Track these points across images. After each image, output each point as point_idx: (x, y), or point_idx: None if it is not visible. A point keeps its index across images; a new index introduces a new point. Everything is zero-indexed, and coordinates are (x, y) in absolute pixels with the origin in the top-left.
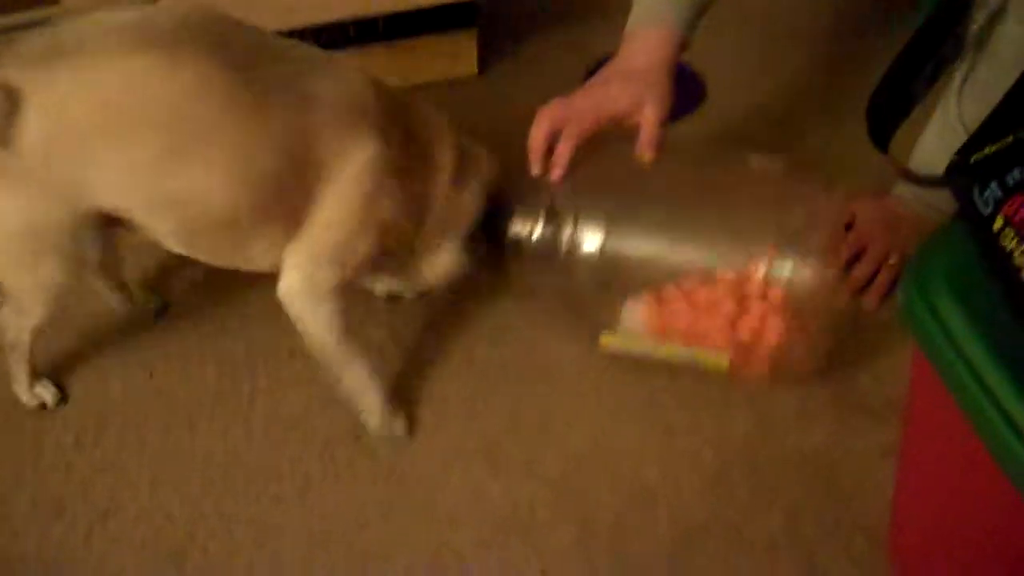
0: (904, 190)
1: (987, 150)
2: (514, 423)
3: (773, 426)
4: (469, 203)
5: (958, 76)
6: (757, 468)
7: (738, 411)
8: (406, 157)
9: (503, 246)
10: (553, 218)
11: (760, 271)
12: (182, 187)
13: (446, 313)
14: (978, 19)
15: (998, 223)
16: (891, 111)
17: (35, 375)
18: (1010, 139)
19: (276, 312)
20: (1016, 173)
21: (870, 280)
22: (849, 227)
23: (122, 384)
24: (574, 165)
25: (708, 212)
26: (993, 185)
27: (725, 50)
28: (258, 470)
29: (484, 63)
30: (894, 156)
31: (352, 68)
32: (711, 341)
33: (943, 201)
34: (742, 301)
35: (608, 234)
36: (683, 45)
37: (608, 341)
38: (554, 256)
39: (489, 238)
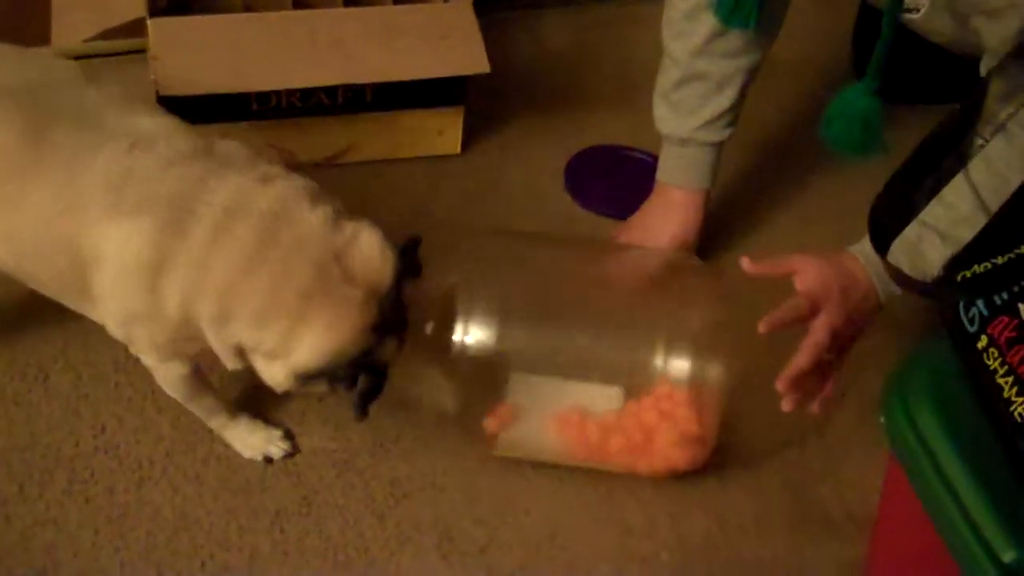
0: (866, 249)
1: (976, 269)
2: (471, 505)
3: (731, 532)
4: None
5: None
6: (712, 574)
7: (696, 514)
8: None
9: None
10: (448, 317)
11: (658, 375)
12: None
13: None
14: (984, 133)
15: (983, 342)
16: (892, 219)
17: None
18: (1000, 260)
19: (235, 374)
20: (1004, 294)
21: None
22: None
23: (73, 436)
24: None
25: (609, 312)
26: (980, 304)
27: None
28: (205, 535)
29: (467, 142)
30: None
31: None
32: (615, 460)
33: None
34: (642, 409)
35: (502, 333)
36: (706, 198)
37: (504, 452)
38: (444, 354)
39: None
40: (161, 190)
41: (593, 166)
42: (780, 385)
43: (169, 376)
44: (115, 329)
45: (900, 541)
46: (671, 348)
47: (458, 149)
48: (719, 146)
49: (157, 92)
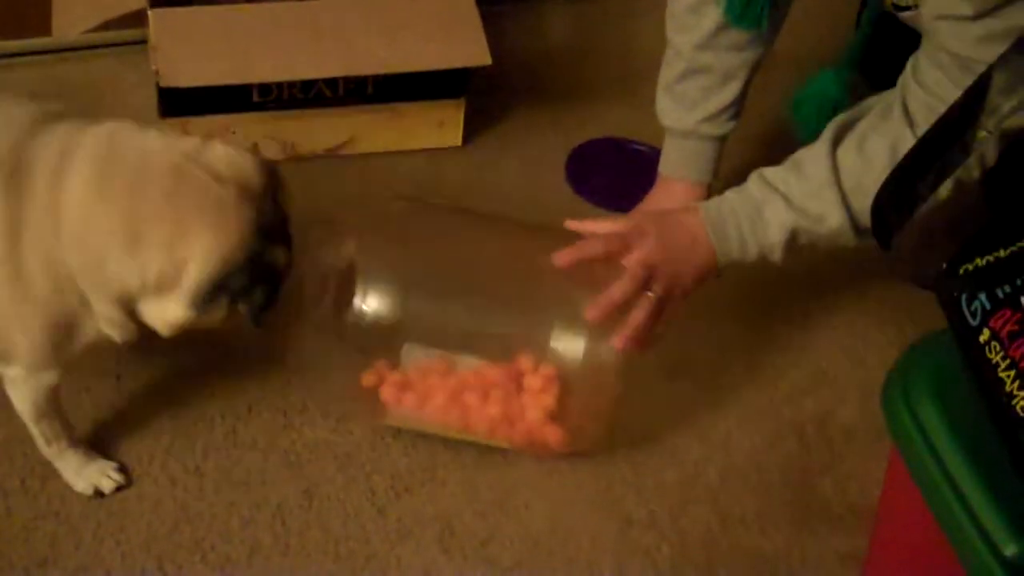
0: (711, 206)
1: (977, 262)
2: (472, 499)
3: (732, 525)
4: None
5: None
6: (713, 568)
7: (697, 508)
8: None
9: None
10: (345, 281)
11: (526, 351)
12: None
13: None
14: (987, 126)
15: (984, 335)
16: (894, 211)
17: None
18: (1002, 253)
19: (236, 366)
20: (1006, 287)
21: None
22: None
23: (74, 430)
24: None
25: (499, 284)
26: (982, 296)
27: None
28: (206, 528)
29: (468, 135)
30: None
31: None
32: (476, 429)
33: (748, 250)
34: (509, 384)
35: (398, 303)
36: (707, 191)
37: (389, 422)
38: (339, 319)
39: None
40: None
41: (595, 158)
42: (589, 313)
43: (37, 388)
44: None
45: (901, 534)
46: (558, 327)
47: (459, 141)
48: (722, 140)
49: (158, 83)
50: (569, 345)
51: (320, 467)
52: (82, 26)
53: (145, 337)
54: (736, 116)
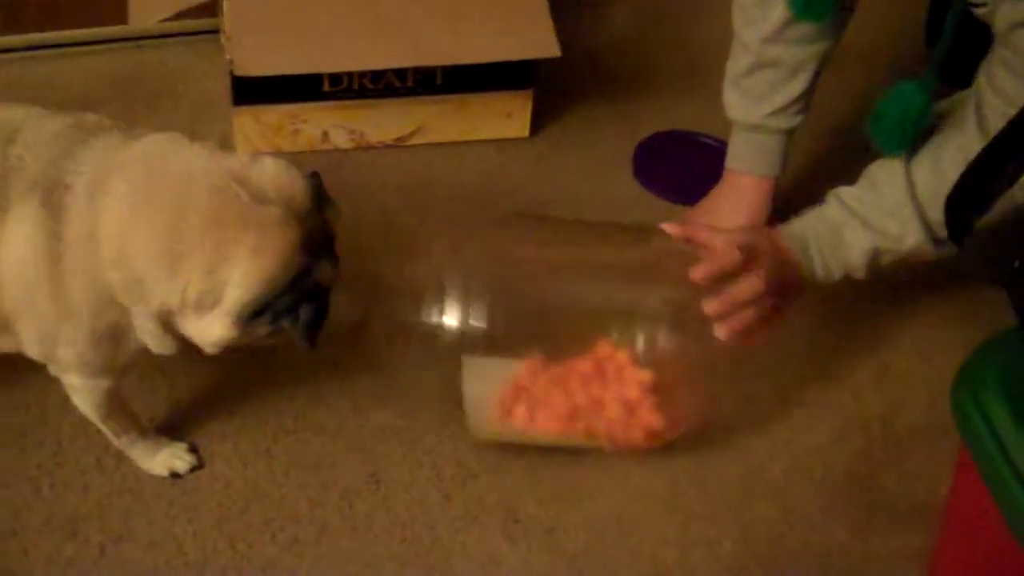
0: (791, 230)
1: None
2: (537, 488)
3: (796, 521)
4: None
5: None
6: (777, 562)
7: (760, 504)
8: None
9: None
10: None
11: (618, 346)
12: None
13: None
14: None
15: None
16: (969, 207)
17: None
18: None
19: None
20: None
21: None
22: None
23: (148, 410)
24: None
25: (585, 287)
26: None
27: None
28: (276, 509)
29: (535, 126)
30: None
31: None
32: (580, 428)
33: (835, 270)
34: (602, 380)
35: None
36: (774, 186)
37: (482, 437)
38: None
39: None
40: (32, 175)
41: (662, 151)
42: (709, 307)
43: (95, 392)
44: (35, 347)
45: (969, 533)
46: (642, 322)
47: (526, 132)
48: (789, 133)
49: (231, 72)
50: (658, 339)
51: (387, 451)
52: (159, 15)
53: (187, 350)
54: (804, 110)
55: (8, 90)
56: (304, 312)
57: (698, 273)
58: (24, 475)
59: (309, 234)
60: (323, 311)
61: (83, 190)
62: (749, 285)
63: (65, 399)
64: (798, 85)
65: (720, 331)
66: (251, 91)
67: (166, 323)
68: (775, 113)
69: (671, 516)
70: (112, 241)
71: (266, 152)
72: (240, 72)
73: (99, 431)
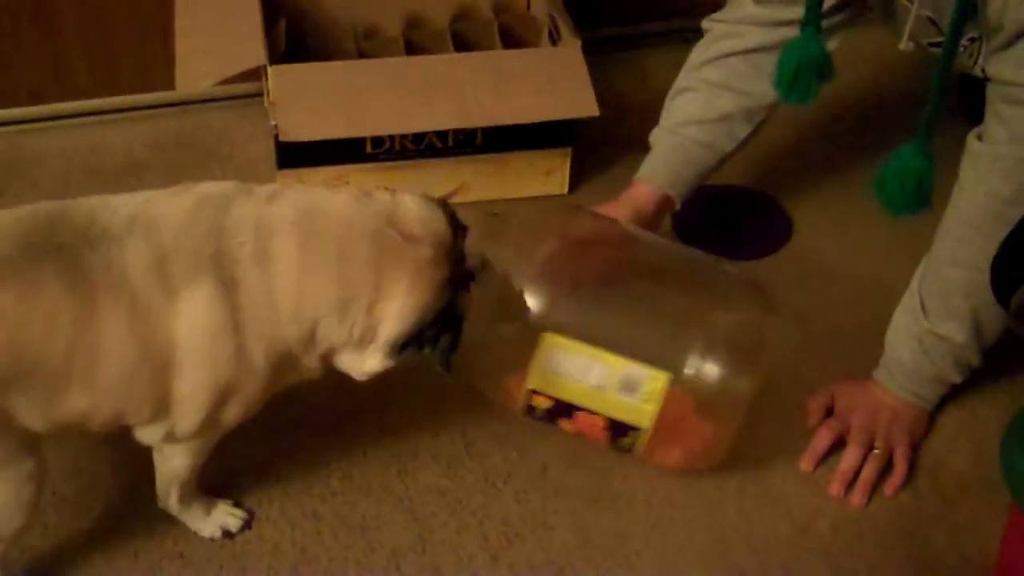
0: (885, 375)
1: None
2: (583, 545)
3: None
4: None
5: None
6: None
7: (809, 560)
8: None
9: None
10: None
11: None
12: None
13: (522, 430)
14: None
15: None
16: (1014, 269)
17: None
18: None
19: (352, 411)
20: None
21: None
22: (830, 412)
23: None
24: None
25: (645, 299)
26: None
27: (812, 192)
28: (324, 571)
29: (574, 183)
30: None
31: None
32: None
33: (925, 388)
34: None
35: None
36: (668, 202)
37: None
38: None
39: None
40: (193, 255)
41: (701, 208)
42: (806, 464)
43: (201, 457)
44: (195, 421)
45: None
46: (694, 351)
47: (565, 189)
48: (705, 148)
49: (276, 137)
50: (705, 370)
51: (433, 512)
52: (206, 82)
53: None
54: (731, 136)
55: (56, 157)
56: (444, 340)
57: (807, 464)
58: (75, 541)
59: (454, 269)
60: (459, 336)
61: (250, 260)
62: (852, 456)
63: (117, 465)
64: (725, 103)
65: (856, 500)
66: (295, 155)
67: (326, 360)
68: (695, 122)
69: (719, 572)
70: (289, 302)
71: None
72: (285, 138)
73: (148, 495)
